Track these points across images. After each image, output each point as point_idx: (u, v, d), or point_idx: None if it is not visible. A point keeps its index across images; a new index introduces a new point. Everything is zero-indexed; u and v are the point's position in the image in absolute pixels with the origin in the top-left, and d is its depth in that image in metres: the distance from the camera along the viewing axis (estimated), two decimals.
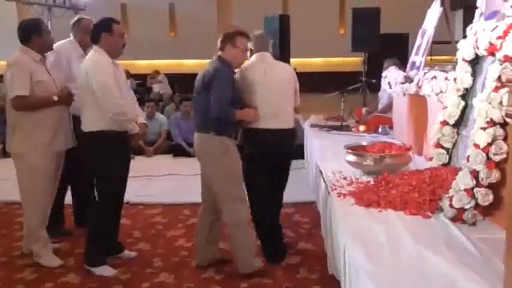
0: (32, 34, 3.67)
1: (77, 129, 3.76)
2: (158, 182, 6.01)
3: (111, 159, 3.50)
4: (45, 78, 3.68)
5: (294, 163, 6.05)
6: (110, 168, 3.51)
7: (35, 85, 3.59)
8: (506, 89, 2.34)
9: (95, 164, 3.57)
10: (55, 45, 4.09)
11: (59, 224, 4.31)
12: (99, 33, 3.52)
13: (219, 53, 3.57)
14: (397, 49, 10.33)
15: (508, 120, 2.26)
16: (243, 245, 3.50)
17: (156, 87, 13.26)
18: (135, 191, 5.40)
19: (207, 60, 4.19)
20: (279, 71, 3.78)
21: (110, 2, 15.79)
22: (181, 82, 12.97)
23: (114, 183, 3.59)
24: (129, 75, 13.07)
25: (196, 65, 4.02)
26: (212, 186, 3.52)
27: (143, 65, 16.50)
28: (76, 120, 3.73)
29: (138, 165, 7.02)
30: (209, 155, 3.49)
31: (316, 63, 17.18)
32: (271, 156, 3.66)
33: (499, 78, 2.40)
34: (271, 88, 3.66)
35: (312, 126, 5.61)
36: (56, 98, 3.68)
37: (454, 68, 3.52)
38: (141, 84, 13.78)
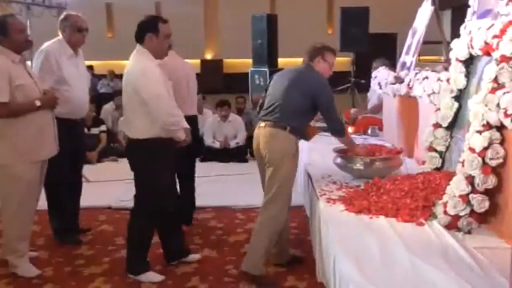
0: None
1: (75, 130, 3.62)
2: None
3: (157, 167, 3.37)
4: (26, 81, 3.45)
5: None
6: (154, 177, 3.38)
7: (15, 90, 3.35)
8: (503, 90, 2.23)
9: (141, 171, 3.43)
10: (43, 46, 3.91)
11: (73, 231, 4.17)
12: (144, 33, 3.33)
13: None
14: (385, 49, 10.29)
15: (510, 126, 2.14)
16: (261, 245, 3.32)
17: None
18: (119, 195, 5.25)
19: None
20: None
21: (93, 1, 15.53)
22: None
23: (156, 192, 3.43)
24: (115, 76, 12.95)
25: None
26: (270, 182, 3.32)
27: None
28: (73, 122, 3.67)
29: (121, 168, 6.92)
30: (281, 152, 3.28)
31: None
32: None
33: (496, 79, 2.29)
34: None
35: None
36: (38, 103, 3.44)
37: (445, 68, 3.43)
38: None
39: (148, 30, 3.32)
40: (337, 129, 3.43)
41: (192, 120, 4.03)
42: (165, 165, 3.44)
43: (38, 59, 3.87)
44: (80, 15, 3.99)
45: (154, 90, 3.23)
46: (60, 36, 3.97)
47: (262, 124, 3.36)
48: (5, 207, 3.56)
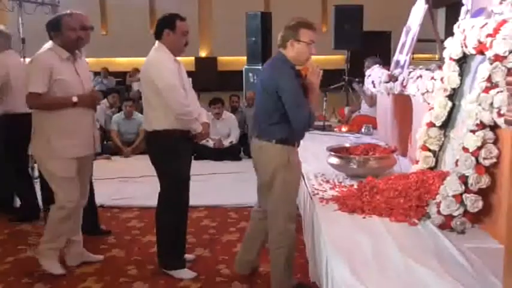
0: (52, 31, 3.43)
1: None
2: (134, 184, 5.82)
3: (175, 158, 3.40)
4: (70, 77, 3.42)
5: None
6: (173, 168, 3.41)
7: (54, 83, 3.34)
8: (496, 89, 2.22)
9: (158, 163, 3.44)
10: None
11: (95, 223, 4.16)
12: (162, 29, 3.38)
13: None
14: (379, 47, 10.31)
15: (503, 125, 2.13)
16: (281, 265, 3.06)
17: (135, 86, 13.01)
18: (110, 193, 5.22)
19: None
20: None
21: None
22: None
23: (177, 183, 3.46)
24: (108, 73, 12.89)
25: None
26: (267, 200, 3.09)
27: (122, 62, 16.23)
28: None
29: (114, 166, 6.91)
30: (271, 165, 2.99)
31: None
32: None
33: (489, 78, 2.28)
34: None
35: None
36: (75, 99, 3.40)
37: (439, 67, 3.42)
38: (120, 82, 13.51)
39: (166, 26, 3.38)
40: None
41: None
42: (182, 158, 3.45)
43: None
44: (83, 14, 3.96)
45: (168, 80, 3.29)
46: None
47: (254, 137, 3.15)
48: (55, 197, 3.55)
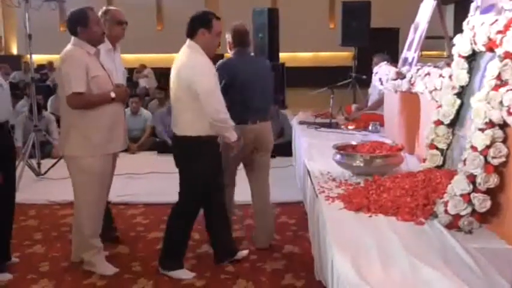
0: (78, 26, 3.37)
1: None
2: (140, 181, 5.82)
3: (203, 165, 3.35)
4: (100, 73, 3.41)
5: (282, 161, 5.98)
6: (201, 173, 3.37)
7: (90, 81, 3.32)
8: (506, 87, 2.18)
9: (186, 169, 3.41)
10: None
11: (110, 228, 4.05)
12: (197, 28, 3.30)
13: None
14: (387, 44, 10.25)
15: None
16: None
17: (142, 82, 13.03)
18: (116, 190, 5.18)
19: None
20: None
21: None
22: (167, 76, 12.75)
23: (202, 189, 3.44)
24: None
25: None
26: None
27: (129, 58, 16.16)
28: None
29: (120, 162, 6.86)
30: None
31: (305, 57, 16.98)
32: None
33: (499, 76, 2.24)
34: None
35: (300, 123, 5.45)
36: (113, 95, 3.40)
37: (447, 64, 3.38)
38: (127, 78, 13.52)
39: (202, 25, 3.29)
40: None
41: None
42: (211, 165, 3.40)
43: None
44: (118, 9, 3.96)
45: (208, 85, 3.22)
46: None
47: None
48: (79, 203, 3.51)
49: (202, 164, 3.33)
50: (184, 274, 3.46)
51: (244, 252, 3.73)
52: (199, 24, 3.28)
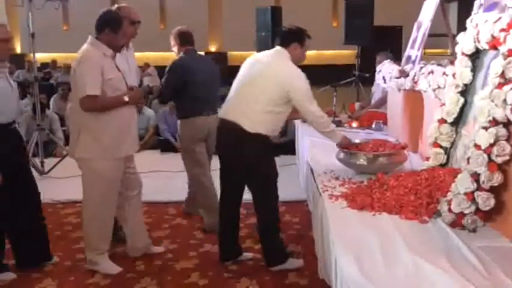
0: (107, 27, 3.35)
1: None
2: (143, 179, 5.78)
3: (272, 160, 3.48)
4: (115, 75, 3.38)
5: (285, 159, 5.97)
6: (272, 168, 3.48)
7: (105, 83, 3.29)
8: (510, 85, 2.17)
9: (258, 164, 3.42)
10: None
11: (116, 228, 3.96)
12: (292, 40, 3.46)
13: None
14: (390, 42, 10.21)
15: None
16: None
17: (146, 80, 13.03)
18: None
19: (199, 53, 4.09)
20: None
21: None
22: None
23: (275, 181, 3.52)
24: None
25: None
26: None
27: None
28: None
29: None
30: None
31: (308, 55, 16.80)
32: None
33: (503, 74, 2.23)
34: None
35: (303, 121, 5.44)
36: (126, 99, 3.38)
37: (451, 63, 3.36)
38: None
39: (296, 39, 3.47)
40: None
41: None
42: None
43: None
44: (132, 7, 3.92)
45: (308, 95, 3.38)
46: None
47: None
48: (86, 204, 3.50)
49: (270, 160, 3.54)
50: (296, 263, 3.54)
51: (249, 254, 3.73)
52: (294, 39, 3.48)
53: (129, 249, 3.76)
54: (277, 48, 3.49)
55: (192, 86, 4.20)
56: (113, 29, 3.35)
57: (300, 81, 3.36)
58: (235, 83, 3.51)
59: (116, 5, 3.98)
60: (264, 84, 3.34)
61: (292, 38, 3.48)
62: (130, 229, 3.74)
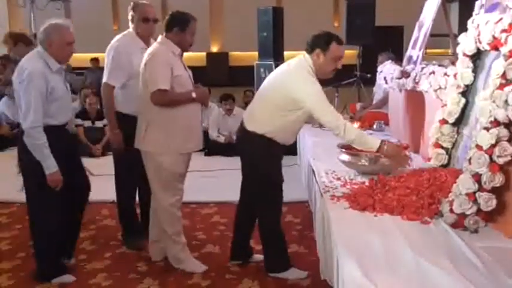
0: (176, 26, 3.41)
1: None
2: None
3: (270, 162, 3.38)
4: (182, 72, 3.46)
5: (287, 160, 5.96)
6: (274, 171, 3.40)
7: (174, 80, 3.36)
8: (511, 86, 2.17)
9: (256, 165, 3.37)
10: (113, 41, 3.81)
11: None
12: (315, 47, 3.18)
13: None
14: (392, 42, 10.23)
15: None
16: None
17: None
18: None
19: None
20: None
21: None
22: None
23: (277, 186, 3.45)
24: None
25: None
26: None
27: None
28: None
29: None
30: None
31: None
32: None
33: (504, 74, 2.23)
34: None
35: (305, 122, 5.44)
36: (194, 95, 3.45)
37: (452, 63, 3.37)
38: None
39: (320, 46, 3.16)
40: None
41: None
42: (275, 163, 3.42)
43: (109, 56, 3.76)
44: (148, 4, 3.88)
45: (319, 103, 3.14)
46: (130, 28, 3.84)
47: None
48: (158, 202, 3.54)
49: (268, 161, 3.37)
50: (298, 273, 3.40)
51: (260, 256, 3.64)
52: (318, 44, 3.16)
53: (154, 251, 3.74)
54: (301, 55, 3.26)
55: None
56: (180, 28, 3.42)
57: (305, 86, 3.15)
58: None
59: (133, 2, 3.91)
60: (271, 91, 3.31)
61: (316, 45, 3.16)
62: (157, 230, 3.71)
